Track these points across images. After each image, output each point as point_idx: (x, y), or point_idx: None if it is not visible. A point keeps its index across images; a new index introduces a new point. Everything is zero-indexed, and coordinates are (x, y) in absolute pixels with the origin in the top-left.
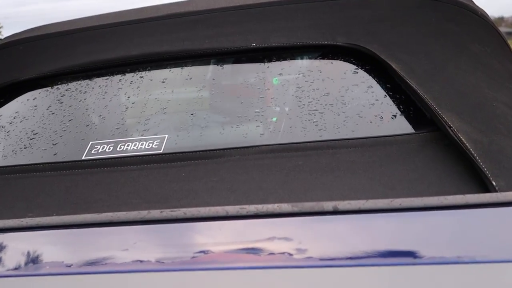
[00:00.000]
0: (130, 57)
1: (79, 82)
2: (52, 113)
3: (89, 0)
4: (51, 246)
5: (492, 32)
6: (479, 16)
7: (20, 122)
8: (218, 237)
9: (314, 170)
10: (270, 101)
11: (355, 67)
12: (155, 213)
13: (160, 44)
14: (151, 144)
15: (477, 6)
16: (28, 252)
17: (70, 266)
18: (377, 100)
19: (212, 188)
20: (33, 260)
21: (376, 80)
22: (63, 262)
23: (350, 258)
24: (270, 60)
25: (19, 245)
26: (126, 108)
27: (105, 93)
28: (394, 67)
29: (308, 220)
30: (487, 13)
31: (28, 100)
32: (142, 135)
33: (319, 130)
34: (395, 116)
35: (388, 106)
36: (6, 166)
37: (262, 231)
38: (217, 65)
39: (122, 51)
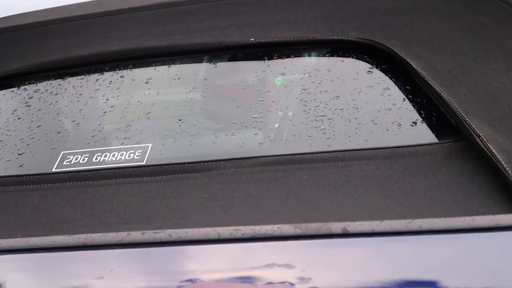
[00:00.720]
0: (109, 53)
1: (49, 82)
2: (18, 118)
3: None
4: (15, 273)
5: None
6: None
7: None
8: (209, 263)
9: (321, 185)
10: (271, 105)
11: (369, 66)
12: (136, 235)
13: (144, 39)
14: (132, 155)
15: None
16: None
17: None
18: (395, 104)
19: (202, 206)
20: None
21: (393, 81)
22: None
23: None
24: (271, 58)
25: None
26: (104, 112)
27: (80, 95)
28: (414, 66)
29: (313, 244)
30: None
31: None
32: (122, 144)
33: (327, 139)
34: (415, 123)
35: (407, 111)
36: None
37: (260, 257)
38: (210, 63)
39: (99, 46)
